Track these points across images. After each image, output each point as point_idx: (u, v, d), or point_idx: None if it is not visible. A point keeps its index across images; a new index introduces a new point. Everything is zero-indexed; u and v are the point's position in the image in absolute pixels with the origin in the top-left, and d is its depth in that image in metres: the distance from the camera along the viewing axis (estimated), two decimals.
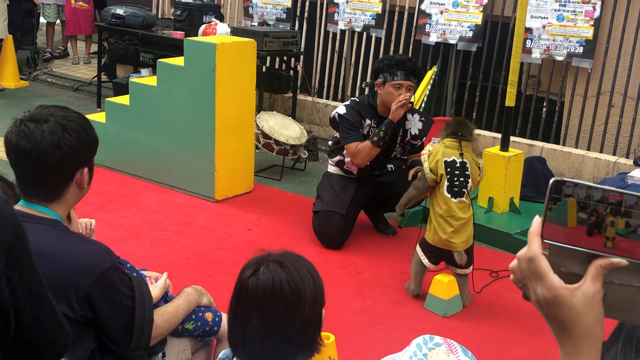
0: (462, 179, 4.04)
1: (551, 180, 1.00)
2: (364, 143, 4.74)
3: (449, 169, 4.03)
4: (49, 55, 10.54)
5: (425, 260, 4.15)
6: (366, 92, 5.39)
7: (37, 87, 9.49)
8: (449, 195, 4.03)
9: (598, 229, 0.99)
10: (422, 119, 4.91)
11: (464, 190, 4.05)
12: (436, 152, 4.08)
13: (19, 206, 2.24)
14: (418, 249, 4.19)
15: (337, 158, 5.00)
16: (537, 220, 1.03)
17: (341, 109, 4.83)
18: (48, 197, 2.26)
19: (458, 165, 4.04)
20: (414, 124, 4.88)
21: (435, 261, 4.16)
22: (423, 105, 6.72)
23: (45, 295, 1.26)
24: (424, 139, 5.01)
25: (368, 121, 4.82)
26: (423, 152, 4.27)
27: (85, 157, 2.30)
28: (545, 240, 1.02)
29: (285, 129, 6.32)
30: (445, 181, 4.03)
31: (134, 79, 6.44)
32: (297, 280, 1.97)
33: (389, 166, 5.00)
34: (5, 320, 1.16)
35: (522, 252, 1.04)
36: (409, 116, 4.87)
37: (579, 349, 1.02)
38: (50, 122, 2.20)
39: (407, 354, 2.13)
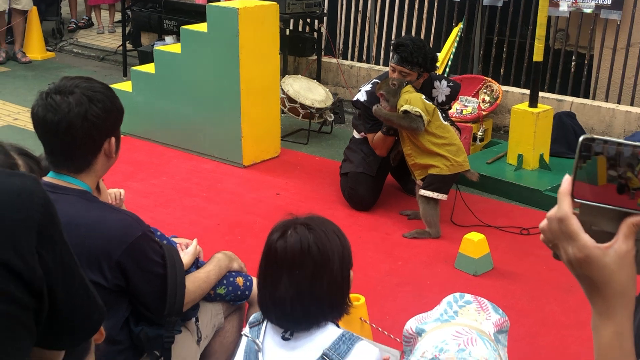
0: (439, 108, 4.59)
1: (580, 139, 0.99)
2: (377, 135, 4.75)
3: (432, 103, 4.51)
4: (74, 26, 10.55)
5: (440, 196, 4.45)
6: None
7: (64, 58, 9.53)
8: (447, 123, 4.56)
9: (629, 186, 0.97)
10: (450, 84, 4.89)
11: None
12: (413, 98, 4.42)
13: (49, 178, 2.26)
14: (426, 193, 4.45)
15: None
16: (566, 180, 1.01)
17: (362, 94, 4.79)
18: (77, 168, 2.28)
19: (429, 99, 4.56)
20: (442, 91, 4.85)
21: (447, 190, 4.51)
22: (449, 63, 6.64)
23: (78, 272, 1.27)
24: (451, 103, 5.03)
25: None
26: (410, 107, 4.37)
27: (112, 127, 2.31)
28: (575, 200, 1.00)
29: (311, 92, 6.30)
30: (439, 113, 4.48)
31: (159, 46, 6.43)
32: (325, 242, 2.00)
33: None
34: (39, 299, 1.17)
35: (552, 212, 1.02)
36: (436, 84, 4.85)
37: (611, 308, 1.01)
38: (76, 94, 2.21)
39: (437, 312, 2.13)
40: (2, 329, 1.12)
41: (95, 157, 2.29)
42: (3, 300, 1.11)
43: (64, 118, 2.18)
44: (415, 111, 4.36)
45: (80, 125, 2.20)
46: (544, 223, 1.04)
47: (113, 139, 2.32)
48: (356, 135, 5.08)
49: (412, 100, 4.40)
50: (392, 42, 4.81)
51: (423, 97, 4.48)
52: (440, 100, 4.85)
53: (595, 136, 0.98)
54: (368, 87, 4.81)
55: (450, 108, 5.12)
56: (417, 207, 4.57)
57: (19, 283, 1.12)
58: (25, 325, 1.16)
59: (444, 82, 4.89)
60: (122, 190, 2.86)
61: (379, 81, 4.72)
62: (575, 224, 1.00)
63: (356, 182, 4.90)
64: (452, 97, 4.93)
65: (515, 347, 3.02)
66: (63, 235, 1.23)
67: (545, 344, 3.53)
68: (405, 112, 4.38)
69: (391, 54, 4.74)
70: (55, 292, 1.19)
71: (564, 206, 1.00)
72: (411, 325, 2.13)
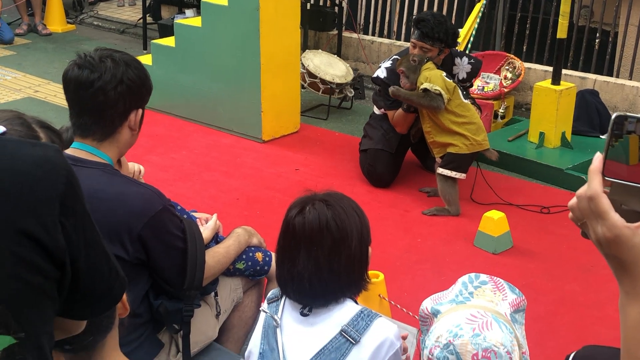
0: (459, 86, 4.54)
1: (613, 116, 0.96)
2: (397, 112, 4.71)
3: (452, 81, 4.46)
4: None
5: (458, 175, 4.43)
6: None
7: (84, 31, 9.53)
8: (467, 101, 4.49)
9: None
10: (471, 61, 4.85)
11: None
12: (434, 76, 4.37)
13: (72, 149, 2.27)
14: (444, 171, 4.42)
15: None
16: (598, 158, 0.99)
17: (382, 71, 4.76)
18: (102, 133, 2.28)
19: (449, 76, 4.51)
20: (462, 68, 4.80)
21: (466, 169, 4.48)
22: (471, 40, 6.57)
23: (99, 243, 1.27)
24: (472, 80, 4.98)
25: None
26: (428, 85, 4.33)
27: (141, 98, 2.34)
28: (606, 178, 0.98)
29: (331, 68, 6.26)
30: (459, 91, 4.43)
31: (179, 20, 6.42)
32: (343, 218, 2.00)
33: None
34: (62, 269, 1.17)
35: (582, 190, 1.00)
36: (457, 60, 4.80)
37: (639, 288, 1.00)
38: (114, 57, 2.26)
39: (452, 293, 2.11)
40: (27, 298, 1.13)
41: (121, 124, 2.30)
42: (28, 270, 1.12)
43: (100, 76, 2.22)
44: (435, 89, 4.31)
45: (114, 86, 2.23)
46: (573, 201, 1.03)
47: (140, 111, 2.33)
48: (376, 111, 5.05)
49: (432, 78, 4.35)
50: (414, 17, 4.77)
51: (444, 74, 4.44)
52: (461, 78, 4.81)
53: (629, 114, 0.95)
54: (388, 63, 4.77)
55: (471, 85, 5.07)
56: (437, 185, 4.55)
57: (42, 253, 1.13)
58: (48, 294, 1.17)
59: (465, 59, 4.84)
60: (142, 168, 2.85)
61: (399, 57, 4.68)
62: (605, 203, 0.98)
63: (375, 159, 4.88)
64: (473, 75, 4.88)
65: (533, 326, 3.01)
66: (85, 206, 1.23)
67: (564, 323, 3.51)
68: (425, 90, 4.34)
69: (412, 29, 4.69)
70: (77, 263, 1.20)
71: (595, 184, 0.98)
72: (427, 305, 2.12)
